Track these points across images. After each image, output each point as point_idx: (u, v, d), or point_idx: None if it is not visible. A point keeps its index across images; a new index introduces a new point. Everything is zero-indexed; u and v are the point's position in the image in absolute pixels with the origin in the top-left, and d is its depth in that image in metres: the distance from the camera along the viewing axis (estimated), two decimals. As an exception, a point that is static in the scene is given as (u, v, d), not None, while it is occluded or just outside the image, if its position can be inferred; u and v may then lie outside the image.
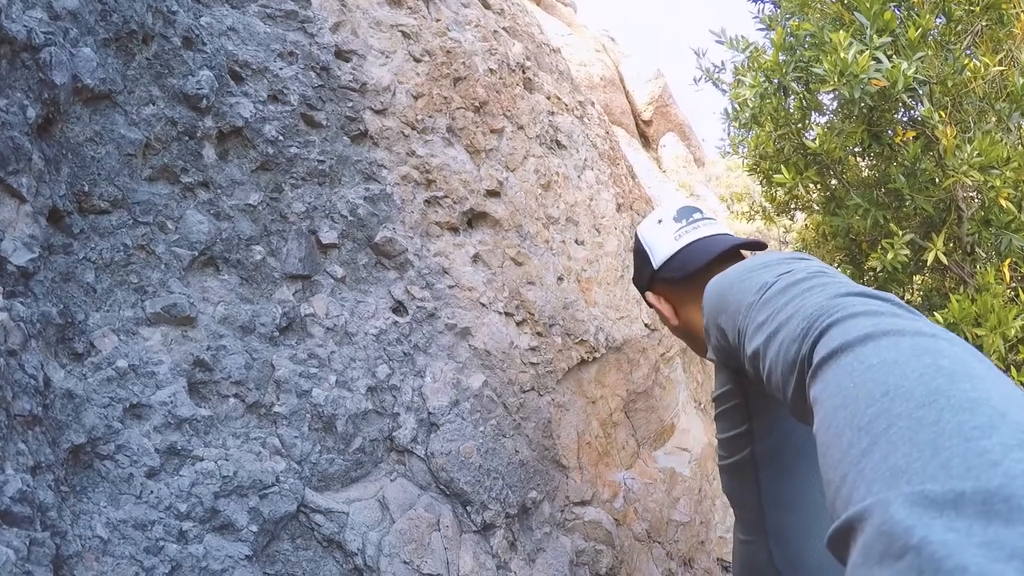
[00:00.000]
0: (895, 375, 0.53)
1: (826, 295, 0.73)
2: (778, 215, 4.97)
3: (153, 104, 1.59)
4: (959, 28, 3.42)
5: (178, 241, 1.59)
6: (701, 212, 1.50)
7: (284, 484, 1.58)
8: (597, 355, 2.71)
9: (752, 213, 5.29)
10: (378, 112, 2.17)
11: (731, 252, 1.38)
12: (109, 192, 1.48)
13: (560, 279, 2.65)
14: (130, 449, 1.36)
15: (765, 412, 1.23)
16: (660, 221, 1.51)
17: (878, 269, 3.48)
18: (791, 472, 1.24)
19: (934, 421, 0.46)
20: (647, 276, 1.52)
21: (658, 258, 1.47)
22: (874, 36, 3.07)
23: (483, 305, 2.28)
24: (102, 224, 1.47)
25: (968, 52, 3.39)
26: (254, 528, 1.49)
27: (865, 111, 3.57)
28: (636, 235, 1.58)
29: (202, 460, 1.47)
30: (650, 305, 1.56)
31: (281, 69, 1.92)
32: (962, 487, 0.40)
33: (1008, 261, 3.31)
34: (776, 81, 3.77)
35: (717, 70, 4.36)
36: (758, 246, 1.44)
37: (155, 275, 1.54)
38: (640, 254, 1.55)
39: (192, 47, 1.70)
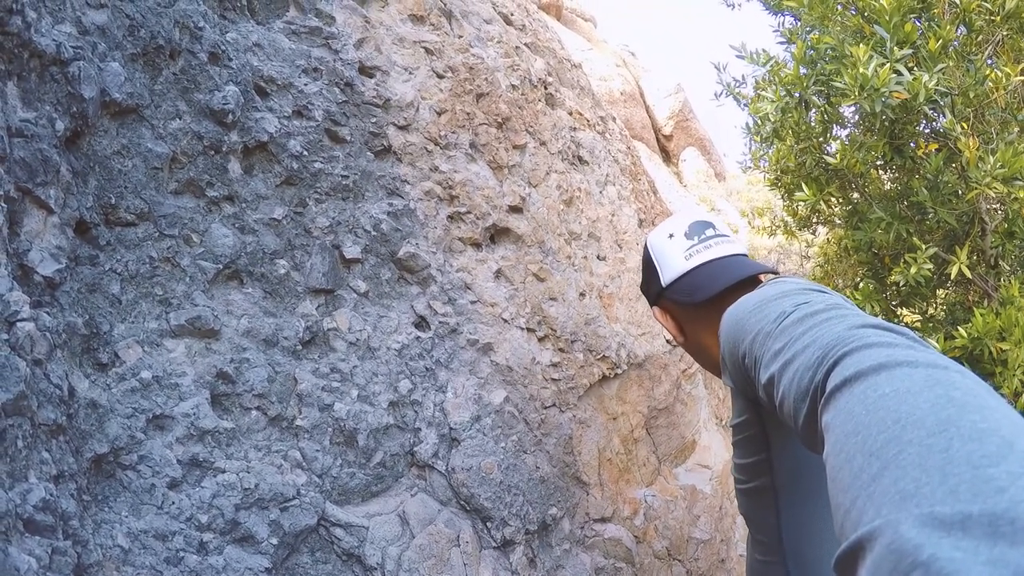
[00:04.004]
0: (907, 404, 0.54)
1: (843, 326, 0.74)
2: (800, 230, 4.94)
3: (179, 118, 1.61)
4: (980, 39, 3.40)
5: (203, 254, 1.60)
6: (714, 228, 1.43)
7: (305, 497, 1.58)
8: (619, 371, 2.70)
9: (773, 228, 5.27)
10: (401, 128, 2.18)
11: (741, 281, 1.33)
12: (135, 205, 1.49)
13: (582, 295, 2.65)
14: (152, 460, 1.37)
15: (783, 441, 1.22)
16: (671, 236, 1.45)
17: (901, 283, 3.45)
18: (809, 498, 1.23)
19: (944, 449, 0.47)
20: (654, 292, 1.48)
21: (666, 277, 1.43)
22: (895, 49, 3.06)
23: (505, 321, 2.27)
24: (128, 236, 1.48)
25: (989, 62, 3.37)
26: (274, 541, 1.49)
27: (887, 124, 3.55)
28: (646, 245, 1.52)
29: (224, 472, 1.47)
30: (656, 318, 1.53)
31: (306, 85, 1.94)
32: (970, 510, 0.41)
33: (1033, 274, 3.27)
34: (797, 95, 3.76)
35: (738, 84, 4.36)
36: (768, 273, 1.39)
37: (180, 287, 1.55)
38: (648, 267, 1.50)
39: (218, 62, 1.72)
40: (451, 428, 1.97)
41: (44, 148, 1.23)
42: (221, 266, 1.63)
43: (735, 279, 1.31)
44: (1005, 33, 3.39)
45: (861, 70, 3.02)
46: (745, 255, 1.40)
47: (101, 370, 1.37)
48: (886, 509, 0.46)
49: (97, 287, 1.40)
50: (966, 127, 3.17)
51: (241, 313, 1.65)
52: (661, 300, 1.48)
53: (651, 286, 1.50)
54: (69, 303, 1.29)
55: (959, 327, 3.16)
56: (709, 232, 1.42)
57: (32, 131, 1.21)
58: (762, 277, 1.38)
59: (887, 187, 4.22)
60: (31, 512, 1.02)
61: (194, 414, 1.46)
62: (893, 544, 0.42)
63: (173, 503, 1.37)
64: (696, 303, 1.35)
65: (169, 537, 1.33)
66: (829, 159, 3.76)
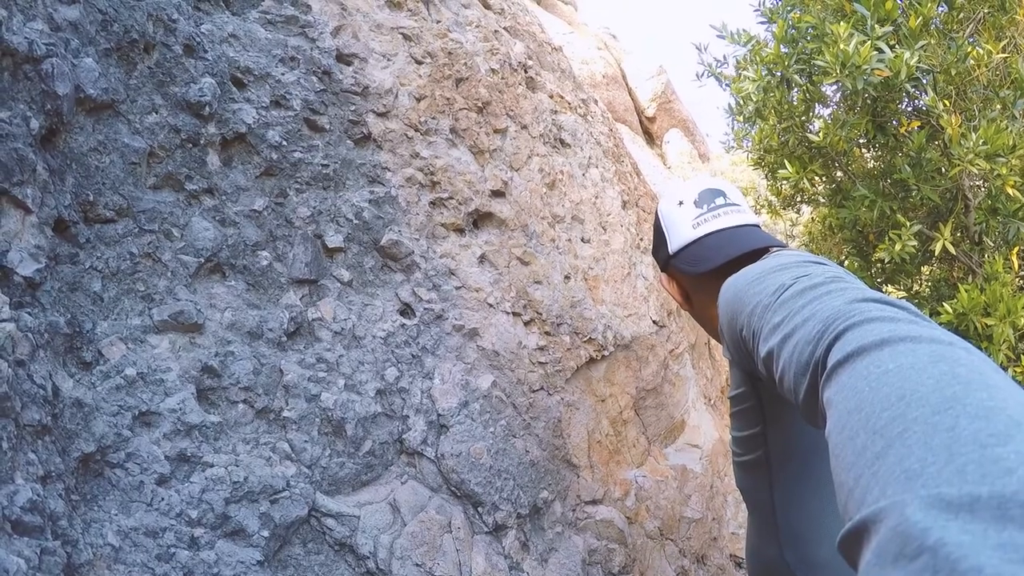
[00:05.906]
0: (911, 381, 0.53)
1: (843, 299, 0.72)
2: (784, 209, 4.94)
3: (156, 112, 1.60)
4: (961, 16, 3.40)
5: (184, 248, 1.60)
6: (725, 196, 1.40)
7: (295, 489, 1.59)
8: (606, 353, 2.71)
9: (758, 207, 5.27)
10: (381, 115, 2.17)
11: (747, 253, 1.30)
12: (114, 201, 1.48)
13: (567, 278, 2.65)
14: (140, 457, 1.37)
15: (779, 414, 1.21)
16: (681, 203, 1.42)
17: (886, 261, 3.46)
18: (804, 473, 1.23)
19: (950, 427, 0.46)
20: (663, 258, 1.47)
21: (673, 244, 1.41)
22: (875, 26, 3.06)
23: (490, 305, 2.28)
24: (108, 233, 1.47)
25: (971, 40, 3.37)
26: (265, 533, 1.49)
27: (869, 102, 3.55)
28: (656, 211, 1.50)
29: (212, 466, 1.47)
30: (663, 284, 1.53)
31: (283, 74, 1.92)
32: (978, 491, 0.40)
33: (1016, 249, 3.30)
34: (779, 74, 3.75)
35: (719, 65, 4.35)
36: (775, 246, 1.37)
37: (162, 283, 1.54)
38: (658, 234, 1.48)
39: (194, 55, 1.70)
40: (439, 414, 1.98)
41: (19, 147, 1.22)
42: (203, 260, 1.62)
43: (739, 251, 1.28)
44: (986, 10, 3.39)
45: (842, 47, 3.03)
46: (756, 226, 1.37)
47: (85, 369, 1.36)
48: (891, 489, 0.45)
49: (78, 285, 1.39)
50: (948, 104, 3.17)
51: (224, 306, 1.65)
52: (669, 268, 1.47)
53: (659, 252, 1.49)
54: (50, 302, 1.29)
55: (944, 303, 3.17)
56: (719, 201, 1.39)
57: (6, 130, 1.20)
58: (769, 250, 1.36)
59: (870, 165, 4.22)
60: (18, 513, 1.02)
61: (180, 409, 1.46)
62: (899, 527, 0.41)
63: (162, 499, 1.37)
64: (700, 273, 1.34)
65: (160, 533, 1.33)
66: (812, 137, 3.77)
